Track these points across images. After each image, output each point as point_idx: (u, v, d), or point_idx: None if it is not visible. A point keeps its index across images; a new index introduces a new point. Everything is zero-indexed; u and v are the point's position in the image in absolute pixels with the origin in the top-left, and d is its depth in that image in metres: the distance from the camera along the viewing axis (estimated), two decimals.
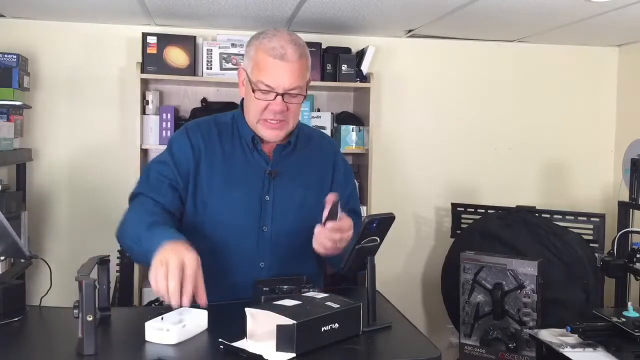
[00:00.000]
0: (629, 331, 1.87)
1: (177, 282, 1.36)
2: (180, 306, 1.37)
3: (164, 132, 3.12)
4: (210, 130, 1.79)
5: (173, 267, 1.37)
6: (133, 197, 1.75)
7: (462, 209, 3.33)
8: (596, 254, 2.84)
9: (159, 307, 1.68)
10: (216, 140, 1.77)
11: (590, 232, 2.91)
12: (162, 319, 1.40)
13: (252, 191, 1.75)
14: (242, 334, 1.36)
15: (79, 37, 3.29)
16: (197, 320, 1.43)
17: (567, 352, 1.89)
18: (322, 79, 3.27)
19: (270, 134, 1.73)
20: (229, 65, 3.15)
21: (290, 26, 3.28)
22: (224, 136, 1.79)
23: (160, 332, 1.36)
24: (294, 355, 1.28)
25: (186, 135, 1.77)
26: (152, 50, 3.10)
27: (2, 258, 2.58)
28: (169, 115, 3.15)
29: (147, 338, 1.36)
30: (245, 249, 1.73)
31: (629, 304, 2.05)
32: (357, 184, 3.31)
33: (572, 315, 2.71)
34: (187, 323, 1.39)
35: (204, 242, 1.66)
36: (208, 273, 1.63)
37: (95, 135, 3.32)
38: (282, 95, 1.67)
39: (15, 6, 3.01)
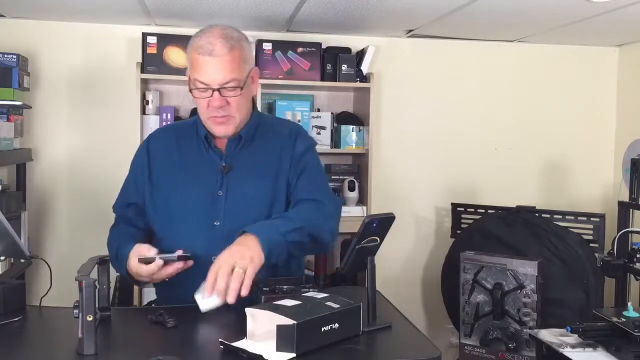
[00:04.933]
0: (629, 331, 1.87)
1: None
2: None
3: None
4: (169, 136, 1.89)
5: None
6: (113, 209, 1.91)
7: (462, 209, 3.33)
8: (596, 254, 2.84)
9: (159, 307, 1.68)
10: (174, 145, 1.85)
11: (590, 232, 2.90)
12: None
13: (206, 188, 1.78)
14: (242, 334, 1.36)
15: (79, 37, 3.29)
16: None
17: (567, 352, 1.89)
18: (322, 79, 3.27)
19: (219, 129, 1.76)
20: None
21: (290, 26, 3.28)
22: (183, 139, 1.85)
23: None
24: (294, 355, 1.28)
25: (146, 144, 1.89)
26: (152, 50, 3.10)
27: (2, 258, 2.58)
28: (169, 115, 3.16)
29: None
30: (197, 244, 1.71)
31: (629, 304, 2.05)
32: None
33: (572, 315, 2.71)
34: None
35: (165, 243, 1.75)
36: None
37: (95, 135, 3.32)
38: (219, 90, 1.69)
39: (15, 6, 3.01)
